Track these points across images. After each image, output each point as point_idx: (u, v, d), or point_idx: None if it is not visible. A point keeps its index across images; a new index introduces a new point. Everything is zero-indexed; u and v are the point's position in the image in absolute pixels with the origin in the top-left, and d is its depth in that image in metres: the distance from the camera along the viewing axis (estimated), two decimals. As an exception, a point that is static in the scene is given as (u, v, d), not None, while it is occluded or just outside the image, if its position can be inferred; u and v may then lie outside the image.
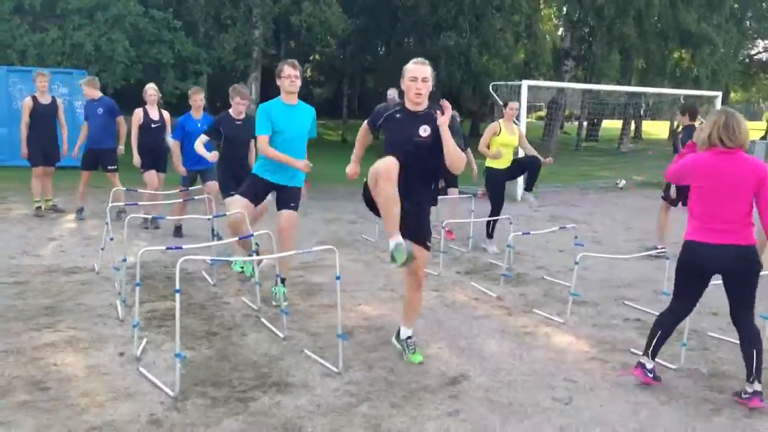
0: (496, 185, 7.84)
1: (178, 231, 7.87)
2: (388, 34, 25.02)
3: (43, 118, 8.64)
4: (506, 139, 7.66)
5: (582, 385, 4.00)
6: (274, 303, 5.30)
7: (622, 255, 6.62)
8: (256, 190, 5.47)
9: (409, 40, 25.54)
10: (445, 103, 3.88)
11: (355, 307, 5.43)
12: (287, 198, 5.45)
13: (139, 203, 7.91)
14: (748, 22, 30.79)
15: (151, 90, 8.18)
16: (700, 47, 24.13)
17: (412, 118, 3.97)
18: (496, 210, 7.80)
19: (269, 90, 19.56)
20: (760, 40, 35.31)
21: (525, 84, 13.06)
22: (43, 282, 5.80)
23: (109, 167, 8.63)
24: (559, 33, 28.91)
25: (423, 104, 3.96)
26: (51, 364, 4.00)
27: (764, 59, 36.95)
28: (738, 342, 4.80)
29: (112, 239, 5.60)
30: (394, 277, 6.29)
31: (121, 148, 8.63)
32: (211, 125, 6.50)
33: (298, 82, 5.25)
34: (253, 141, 6.47)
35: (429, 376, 4.05)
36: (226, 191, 6.32)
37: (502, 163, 7.73)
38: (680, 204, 7.51)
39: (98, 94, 8.61)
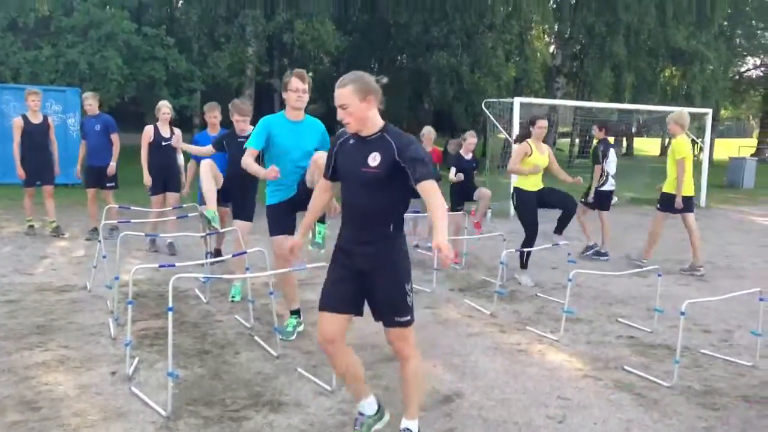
0: (528, 208, 7.04)
1: (217, 253, 7.37)
2: (381, 52, 25.18)
3: (35, 137, 8.50)
4: (538, 159, 6.94)
5: (575, 402, 4.00)
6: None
7: (615, 272, 6.64)
8: (288, 220, 4.93)
9: (402, 58, 25.69)
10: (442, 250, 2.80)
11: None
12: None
13: (134, 222, 7.79)
14: (737, 40, 31.15)
15: (164, 108, 7.93)
16: (690, 64, 24.38)
17: (361, 144, 3.19)
18: (530, 237, 7.02)
19: (263, 107, 19.68)
20: (749, 57, 35.69)
21: (517, 101, 13.13)
22: (35, 301, 5.77)
23: (107, 185, 8.58)
24: (551, 50, 29.16)
25: (369, 128, 3.16)
26: (42, 384, 3.97)
27: (754, 76, 37.33)
28: (730, 359, 4.84)
29: (105, 257, 5.58)
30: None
31: (112, 165, 8.53)
32: (216, 140, 6.31)
33: (306, 97, 4.76)
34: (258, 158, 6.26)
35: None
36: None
37: (533, 184, 7.04)
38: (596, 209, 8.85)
39: (97, 110, 8.58)
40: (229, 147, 6.02)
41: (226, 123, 7.56)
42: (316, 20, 17.87)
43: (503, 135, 13.86)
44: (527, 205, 7.03)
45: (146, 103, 18.36)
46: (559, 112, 24.88)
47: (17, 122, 8.48)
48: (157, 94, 17.00)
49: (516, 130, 12.86)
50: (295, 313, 5.18)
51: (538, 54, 25.71)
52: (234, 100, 6.16)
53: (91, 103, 8.56)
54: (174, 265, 4.60)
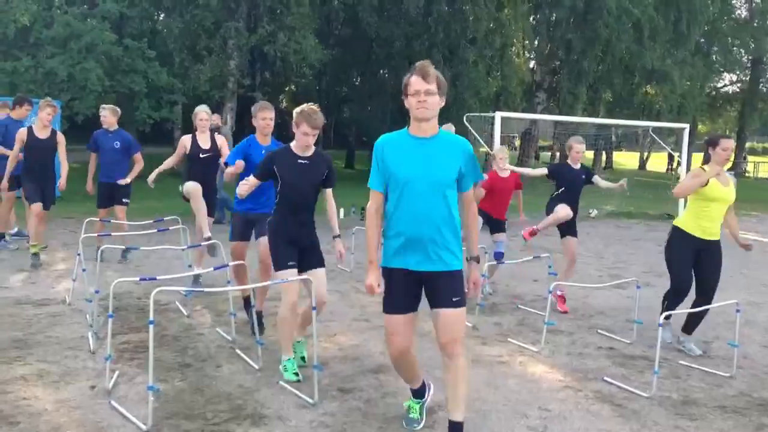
0: (679, 254, 5.38)
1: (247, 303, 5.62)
2: (364, 65, 25.32)
3: (39, 154, 7.69)
4: (718, 192, 5.19)
5: (556, 413, 4.03)
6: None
7: (595, 284, 6.70)
8: (404, 295, 3.51)
9: (384, 72, 25.84)
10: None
11: (331, 337, 5.41)
12: (446, 288, 3.40)
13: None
14: (714, 56, 31.71)
15: (202, 113, 6.72)
16: (664, 82, 24.79)
17: None
18: (675, 291, 5.39)
19: (244, 120, 19.60)
20: (725, 74, 36.35)
21: (498, 115, 13.27)
22: (13, 314, 5.70)
23: (123, 200, 8.07)
24: (531, 66, 29.48)
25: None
26: (21, 398, 3.92)
27: (730, 92, 37.99)
28: (708, 370, 4.91)
29: (84, 270, 5.53)
30: (369, 308, 6.29)
31: (128, 180, 7.96)
32: (261, 164, 4.54)
33: (435, 101, 3.25)
34: (320, 188, 4.63)
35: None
36: (281, 261, 4.41)
37: (702, 229, 5.30)
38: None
39: (116, 125, 8.07)
40: (281, 170, 4.40)
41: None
42: (299, 33, 17.93)
43: (485, 149, 13.98)
44: (679, 251, 5.38)
45: (126, 116, 18.27)
46: (539, 127, 25.14)
47: (20, 134, 7.68)
48: (137, 106, 16.94)
49: (497, 143, 12.99)
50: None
51: (518, 69, 25.97)
52: (304, 106, 4.39)
53: (106, 115, 7.98)
54: (155, 278, 4.58)
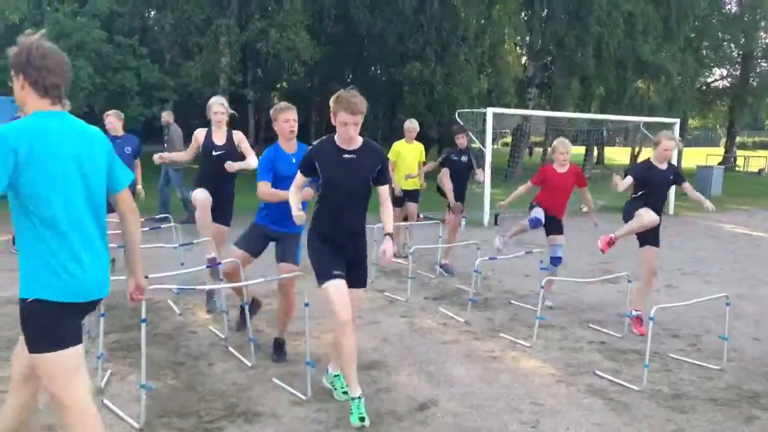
0: None
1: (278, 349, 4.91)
2: (356, 62, 25.31)
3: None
4: None
5: (548, 408, 4.05)
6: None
7: (586, 279, 6.72)
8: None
9: (376, 69, 25.83)
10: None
11: (323, 334, 5.42)
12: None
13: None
14: (704, 51, 31.80)
15: (216, 106, 5.78)
16: (656, 77, 24.86)
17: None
18: None
19: (235, 117, 19.61)
20: (716, 68, 36.46)
21: (490, 111, 13.29)
22: (5, 314, 5.68)
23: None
24: (523, 62, 29.51)
25: None
26: (12, 398, 3.91)
27: (720, 87, 38.13)
28: (698, 363, 4.94)
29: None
30: (361, 304, 6.28)
31: (140, 188, 7.82)
32: (302, 160, 3.99)
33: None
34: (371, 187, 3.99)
35: (398, 402, 4.06)
36: (323, 272, 3.85)
37: None
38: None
39: (121, 130, 7.81)
40: (323, 166, 3.84)
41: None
42: (291, 30, 17.92)
43: (476, 145, 14.00)
44: None
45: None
46: (532, 122, 25.19)
47: None
48: (128, 103, 16.90)
49: (489, 139, 13.02)
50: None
51: (510, 65, 25.97)
52: (339, 92, 3.82)
53: (113, 121, 7.65)
54: (147, 277, 4.56)
